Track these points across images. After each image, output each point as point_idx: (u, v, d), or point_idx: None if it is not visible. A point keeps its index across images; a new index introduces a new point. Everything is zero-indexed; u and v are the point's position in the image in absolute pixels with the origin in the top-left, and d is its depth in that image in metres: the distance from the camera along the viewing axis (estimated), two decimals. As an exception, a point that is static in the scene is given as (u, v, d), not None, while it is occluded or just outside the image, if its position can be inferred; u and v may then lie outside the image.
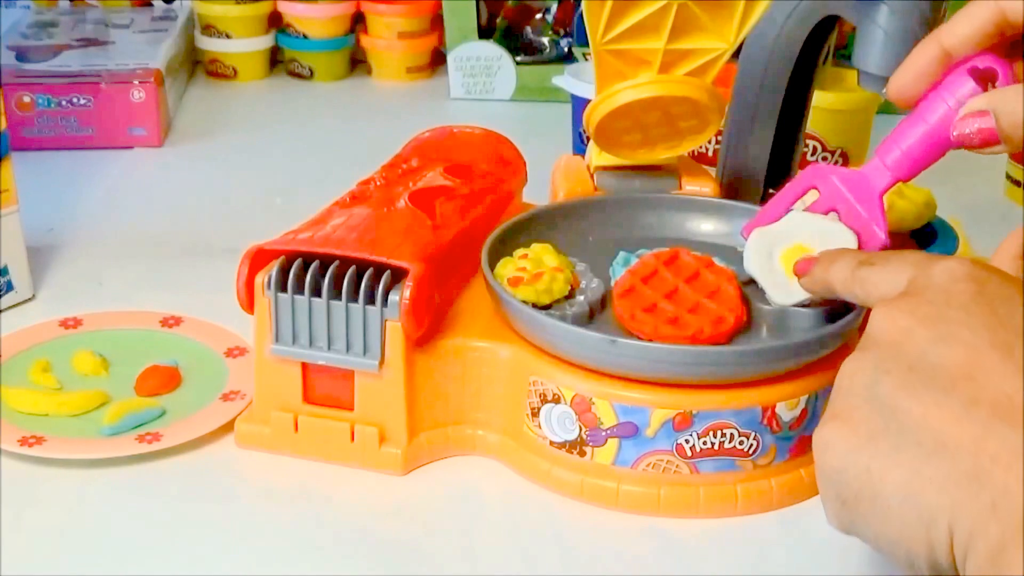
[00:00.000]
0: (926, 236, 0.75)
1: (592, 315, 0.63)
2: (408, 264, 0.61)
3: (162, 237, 0.91)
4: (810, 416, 0.62)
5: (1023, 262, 0.55)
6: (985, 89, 0.56)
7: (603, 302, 0.64)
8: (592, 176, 0.75)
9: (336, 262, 0.62)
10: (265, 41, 1.28)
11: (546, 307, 0.63)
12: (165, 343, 0.74)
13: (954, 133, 0.56)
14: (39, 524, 0.60)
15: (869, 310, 0.48)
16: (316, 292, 0.62)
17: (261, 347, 0.64)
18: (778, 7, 0.73)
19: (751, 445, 0.61)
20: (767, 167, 0.78)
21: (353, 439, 0.63)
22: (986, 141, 0.55)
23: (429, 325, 0.63)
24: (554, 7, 1.25)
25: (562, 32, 1.25)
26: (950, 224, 0.76)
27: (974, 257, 0.48)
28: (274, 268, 0.63)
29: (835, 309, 0.62)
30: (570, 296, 0.64)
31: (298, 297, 0.62)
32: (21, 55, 1.14)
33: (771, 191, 0.66)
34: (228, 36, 1.27)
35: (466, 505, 0.62)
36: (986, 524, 0.40)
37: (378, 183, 0.71)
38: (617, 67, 0.69)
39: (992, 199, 1.01)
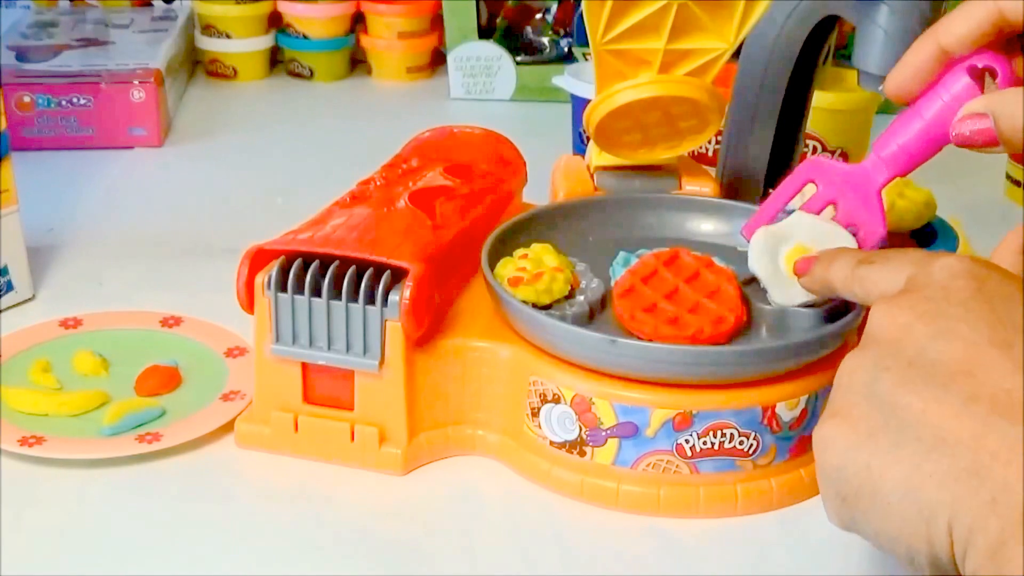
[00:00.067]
0: (926, 236, 0.75)
1: (592, 315, 0.63)
2: (408, 264, 0.61)
3: (162, 237, 0.91)
4: (810, 416, 0.62)
5: None
6: (983, 87, 0.56)
7: (603, 302, 0.64)
8: (592, 176, 0.75)
9: (336, 262, 0.62)
10: (265, 41, 1.28)
11: (546, 307, 0.63)
12: (165, 343, 0.74)
13: (953, 133, 0.56)
14: (39, 524, 0.60)
15: (869, 309, 0.48)
16: (316, 292, 0.62)
17: (261, 347, 0.64)
18: (778, 7, 0.73)
19: (751, 445, 0.61)
20: (767, 167, 0.78)
21: (353, 439, 0.63)
22: (985, 143, 0.55)
23: (429, 325, 0.63)
24: (554, 7, 1.25)
25: (562, 32, 1.25)
26: (950, 224, 0.76)
27: (973, 255, 0.48)
28: (274, 268, 0.63)
29: (835, 309, 0.62)
30: (570, 296, 0.64)
31: (298, 297, 0.62)
32: (21, 55, 1.14)
33: (771, 191, 0.66)
34: (228, 36, 1.27)
35: (466, 505, 0.62)
36: (986, 520, 0.40)
37: (378, 183, 0.71)
38: (617, 67, 0.69)
39: (992, 199, 1.01)
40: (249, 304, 0.64)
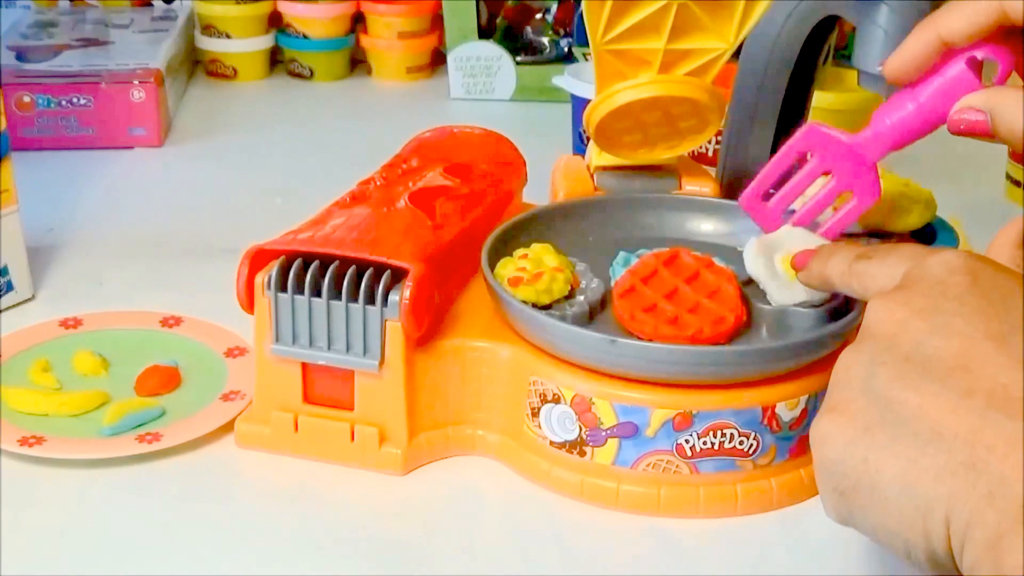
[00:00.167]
0: (926, 236, 0.75)
1: (592, 315, 0.63)
2: (408, 264, 0.61)
3: (162, 237, 0.91)
4: (810, 416, 0.62)
5: (1023, 251, 0.55)
6: (981, 76, 0.56)
7: (603, 302, 0.64)
8: (592, 176, 0.75)
9: (336, 262, 0.62)
10: (265, 41, 1.28)
11: (546, 307, 0.63)
12: (165, 343, 0.74)
13: (949, 122, 0.57)
14: (39, 524, 0.60)
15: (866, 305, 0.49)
16: (316, 292, 0.62)
17: (261, 347, 0.64)
18: (778, 7, 0.73)
19: (751, 445, 0.61)
20: (767, 167, 0.78)
21: (353, 439, 0.63)
22: (981, 135, 0.56)
23: (429, 325, 0.63)
24: (554, 7, 1.25)
25: (562, 32, 1.25)
26: (950, 224, 0.76)
27: (968, 250, 0.48)
28: (274, 268, 0.63)
29: (836, 309, 0.62)
30: (570, 296, 0.64)
31: (298, 297, 0.62)
32: (21, 55, 1.14)
33: (771, 191, 0.66)
34: (228, 36, 1.27)
35: (466, 505, 0.62)
36: (983, 513, 0.41)
37: (378, 183, 0.71)
38: (617, 67, 0.69)
39: (992, 199, 1.01)
40: (249, 304, 0.64)
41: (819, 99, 0.89)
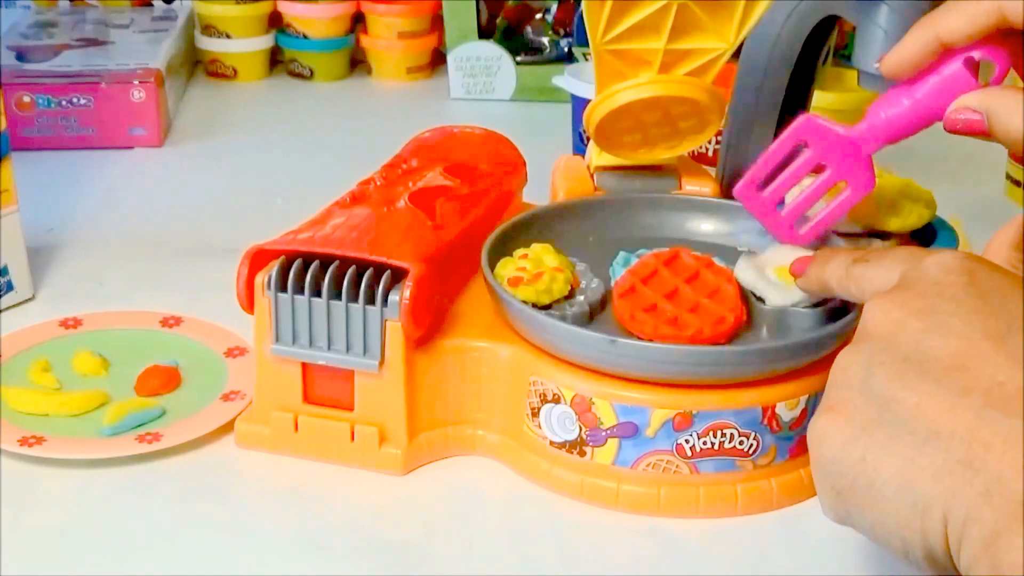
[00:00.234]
0: (926, 236, 0.75)
1: (592, 315, 0.63)
2: (408, 264, 0.61)
3: (162, 237, 0.91)
4: (810, 416, 0.62)
5: (1020, 253, 0.55)
6: (978, 75, 0.57)
7: (603, 302, 0.64)
8: (592, 176, 0.75)
9: (336, 262, 0.62)
10: (265, 41, 1.28)
11: (546, 307, 0.63)
12: (165, 343, 0.74)
13: (945, 121, 0.57)
14: (39, 524, 0.60)
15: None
16: (316, 292, 0.62)
17: (261, 347, 0.64)
18: (778, 7, 0.73)
19: (751, 445, 0.61)
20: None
21: (353, 439, 0.63)
22: (977, 135, 0.56)
23: (429, 325, 0.63)
24: (554, 7, 1.25)
25: (562, 32, 1.25)
26: (950, 224, 0.76)
27: (965, 250, 0.48)
28: (274, 268, 0.63)
29: (835, 309, 0.62)
30: (570, 296, 0.64)
31: (298, 297, 0.62)
32: (21, 55, 1.14)
33: (795, 222, 0.66)
34: (228, 36, 1.27)
35: (466, 505, 0.62)
36: (980, 511, 0.41)
37: (378, 183, 0.71)
38: (617, 67, 0.69)
39: (992, 199, 1.01)
40: (249, 304, 0.64)
41: (819, 99, 0.89)
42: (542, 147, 0.82)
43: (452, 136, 0.78)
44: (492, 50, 1.23)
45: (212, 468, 0.64)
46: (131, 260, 0.87)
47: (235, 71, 1.28)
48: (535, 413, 0.63)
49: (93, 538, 0.59)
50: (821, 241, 0.66)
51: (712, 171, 0.78)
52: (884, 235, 0.73)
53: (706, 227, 0.72)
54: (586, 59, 1.14)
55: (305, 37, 1.28)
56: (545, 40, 1.25)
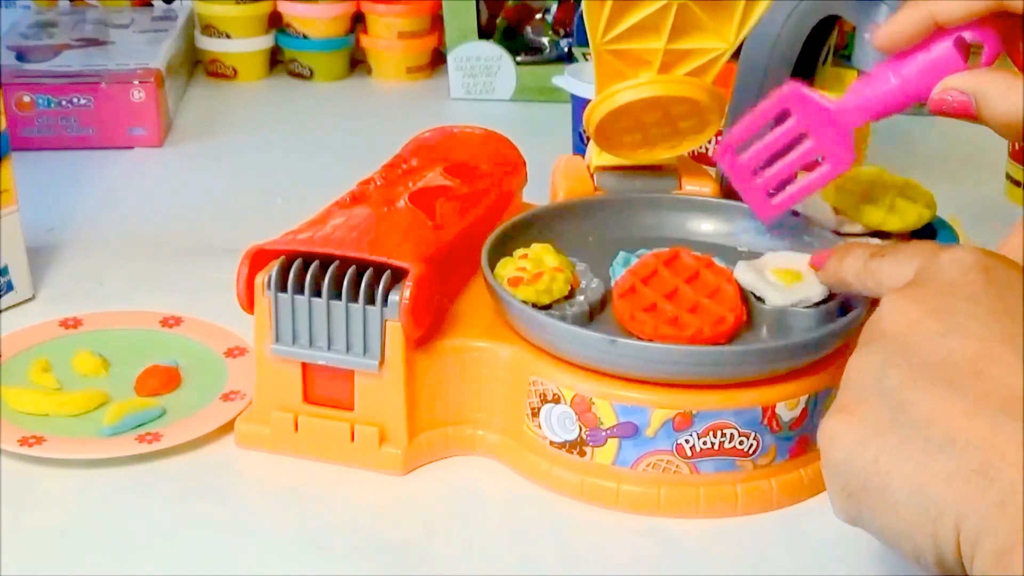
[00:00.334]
0: (926, 236, 0.75)
1: (592, 315, 0.63)
2: (408, 264, 0.61)
3: (162, 237, 0.91)
4: (810, 416, 0.62)
5: None
6: (967, 57, 0.56)
7: (603, 302, 0.64)
8: (592, 176, 0.75)
9: (336, 262, 0.62)
10: (265, 41, 1.28)
11: (546, 307, 0.63)
12: (165, 343, 0.74)
13: (932, 99, 0.57)
14: (39, 524, 0.60)
15: (874, 303, 0.48)
16: (316, 292, 0.62)
17: (261, 347, 0.64)
18: (778, 7, 0.73)
19: (751, 445, 0.61)
20: (767, 167, 0.78)
21: (353, 439, 0.63)
22: (963, 117, 0.56)
23: (429, 325, 0.63)
24: (554, 7, 1.25)
25: (562, 32, 1.25)
26: (950, 224, 0.76)
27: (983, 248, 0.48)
28: (274, 268, 0.63)
29: (835, 308, 0.62)
30: (570, 296, 0.64)
31: (298, 297, 0.62)
32: (21, 55, 1.14)
33: (771, 191, 0.66)
34: (228, 36, 1.27)
35: (466, 505, 0.62)
36: (994, 522, 0.40)
37: (378, 183, 0.71)
38: (617, 67, 0.69)
39: (992, 199, 1.01)
40: (249, 304, 0.64)
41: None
42: (542, 147, 0.82)
43: (452, 136, 0.78)
44: (492, 50, 1.23)
45: (212, 468, 0.64)
46: (131, 260, 0.87)
47: (235, 71, 1.28)
48: (535, 413, 0.63)
49: (93, 538, 0.59)
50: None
51: (712, 171, 0.78)
52: (884, 235, 0.73)
53: (706, 227, 0.72)
54: (586, 59, 1.14)
55: (305, 37, 1.28)
56: (545, 40, 1.25)
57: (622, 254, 0.67)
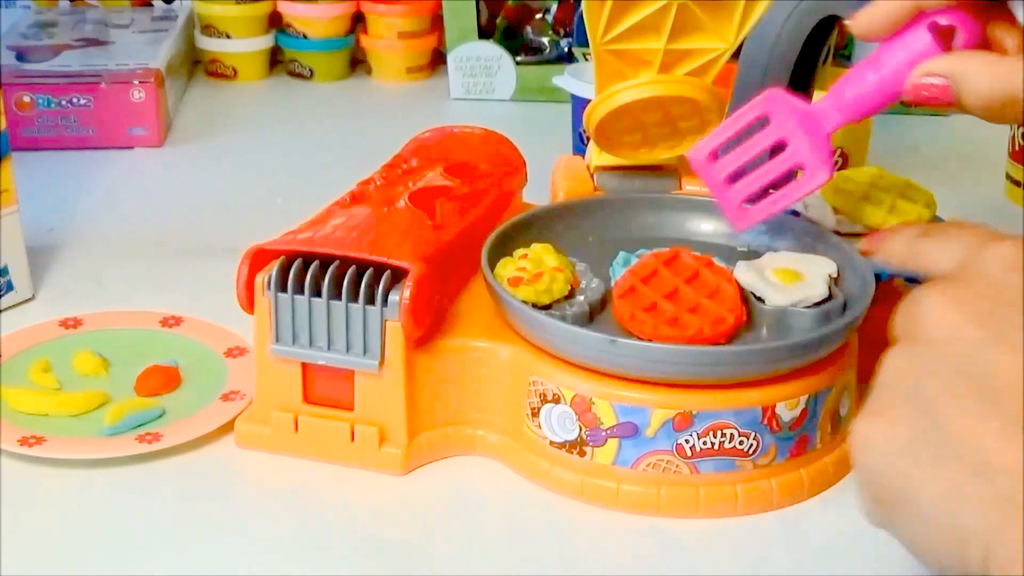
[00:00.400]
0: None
1: (592, 315, 0.63)
2: (408, 264, 0.61)
3: (162, 237, 0.91)
4: (810, 416, 0.62)
5: None
6: (943, 46, 0.56)
7: (603, 302, 0.64)
8: (592, 176, 0.75)
9: (336, 262, 0.62)
10: (265, 41, 1.28)
11: (546, 307, 0.63)
12: (165, 343, 0.74)
13: (908, 86, 0.56)
14: (39, 524, 0.60)
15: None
16: (316, 292, 0.62)
17: (261, 347, 0.64)
18: (778, 7, 0.73)
19: (751, 445, 0.61)
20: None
21: (353, 439, 0.63)
22: (940, 104, 0.54)
23: (429, 325, 0.63)
24: (554, 7, 1.25)
25: (562, 32, 1.25)
26: (950, 224, 0.76)
27: None
28: (274, 268, 0.63)
29: (835, 309, 0.63)
30: (570, 296, 0.64)
31: (298, 297, 0.62)
32: (21, 55, 1.14)
33: (771, 190, 0.66)
34: (228, 36, 1.27)
35: (466, 505, 0.62)
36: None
37: (378, 183, 0.71)
38: (617, 67, 0.69)
39: (992, 199, 1.01)
40: (249, 304, 0.64)
41: (819, 99, 0.89)
42: (542, 147, 0.82)
43: (452, 136, 0.78)
44: (492, 50, 1.23)
45: (212, 468, 0.64)
46: (131, 260, 0.87)
47: (235, 71, 1.28)
48: (535, 413, 0.63)
49: (93, 538, 0.59)
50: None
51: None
52: (884, 235, 0.72)
53: (706, 227, 0.72)
54: (586, 59, 1.14)
55: (305, 37, 1.28)
56: (545, 40, 1.25)
57: (622, 254, 0.67)
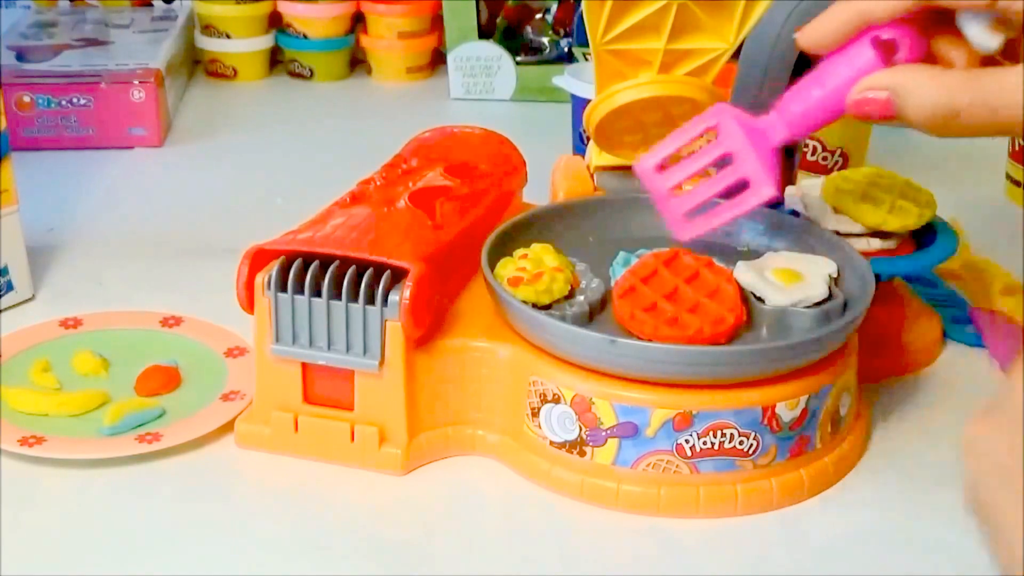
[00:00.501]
0: (926, 236, 0.75)
1: (592, 315, 0.63)
2: (408, 264, 0.61)
3: (162, 237, 0.91)
4: (810, 416, 0.62)
5: None
6: (886, 60, 0.55)
7: (603, 302, 0.64)
8: (592, 176, 0.75)
9: (336, 262, 0.62)
10: (265, 41, 1.28)
11: (546, 307, 0.63)
12: (165, 343, 0.74)
13: (849, 101, 0.56)
14: (39, 524, 0.60)
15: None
16: (316, 292, 0.62)
17: (261, 347, 0.64)
18: (778, 7, 0.73)
19: (751, 445, 0.61)
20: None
21: (353, 439, 0.63)
22: (881, 117, 0.54)
23: (429, 325, 0.63)
24: (554, 7, 1.25)
25: (562, 32, 1.24)
26: (950, 224, 0.76)
27: None
28: (274, 268, 0.63)
29: (835, 309, 0.63)
30: (570, 296, 0.64)
31: (298, 297, 0.62)
32: (21, 55, 1.14)
33: (689, 212, 0.65)
34: (228, 36, 1.27)
35: (466, 505, 0.62)
36: None
37: (378, 183, 0.71)
38: (617, 67, 0.69)
39: (992, 199, 1.00)
40: (249, 304, 0.64)
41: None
42: (542, 147, 0.82)
43: (452, 136, 0.78)
44: (492, 50, 1.23)
45: (212, 468, 0.64)
46: (131, 260, 0.87)
47: (235, 71, 1.28)
48: (535, 413, 0.63)
49: (93, 538, 0.59)
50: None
51: (712, 171, 0.78)
52: (885, 235, 0.72)
53: (706, 227, 0.72)
54: (586, 59, 1.14)
55: (305, 37, 1.28)
56: (545, 40, 1.25)
57: (622, 254, 0.67)
